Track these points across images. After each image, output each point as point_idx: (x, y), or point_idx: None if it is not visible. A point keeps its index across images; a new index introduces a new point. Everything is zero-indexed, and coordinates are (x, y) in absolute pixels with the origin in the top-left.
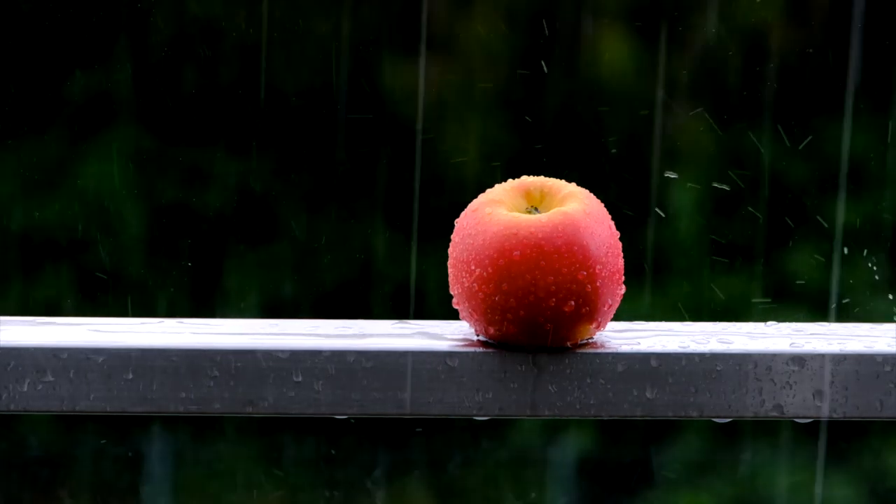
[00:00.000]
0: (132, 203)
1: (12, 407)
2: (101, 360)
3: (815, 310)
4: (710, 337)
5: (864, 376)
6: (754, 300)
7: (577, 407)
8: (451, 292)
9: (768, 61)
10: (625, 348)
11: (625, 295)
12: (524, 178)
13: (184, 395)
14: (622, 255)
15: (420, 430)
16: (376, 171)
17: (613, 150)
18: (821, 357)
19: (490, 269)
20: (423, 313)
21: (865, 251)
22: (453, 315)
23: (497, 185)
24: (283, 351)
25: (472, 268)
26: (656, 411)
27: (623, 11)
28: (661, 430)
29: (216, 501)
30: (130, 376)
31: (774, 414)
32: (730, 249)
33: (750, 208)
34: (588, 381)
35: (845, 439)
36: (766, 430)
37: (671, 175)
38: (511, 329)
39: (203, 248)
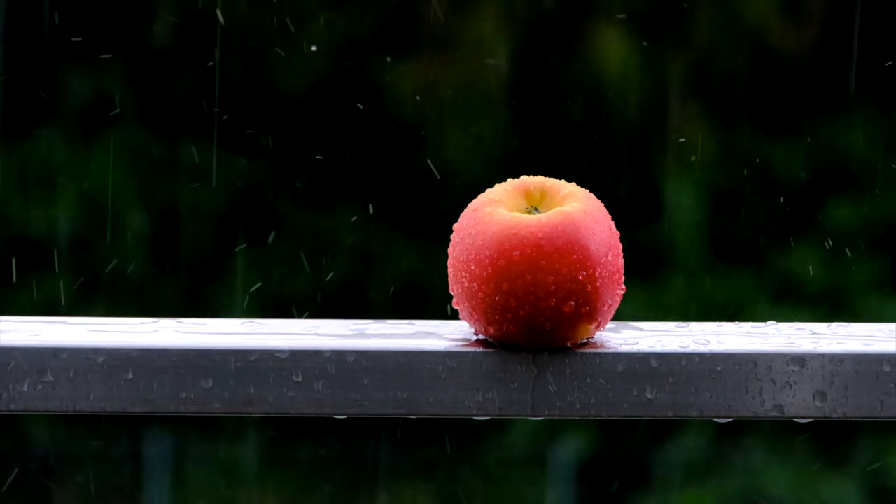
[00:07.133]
0: (132, 202)
1: (12, 407)
2: (101, 360)
3: (816, 309)
4: (710, 337)
5: (864, 376)
6: (755, 300)
7: (577, 407)
8: (451, 292)
9: (769, 60)
10: (625, 348)
11: (625, 294)
12: (524, 177)
13: (184, 395)
14: (622, 255)
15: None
16: (375, 170)
17: (613, 150)
18: (821, 357)
19: (490, 269)
20: (422, 313)
21: (866, 251)
22: (453, 315)
23: (497, 185)
24: (283, 351)
25: (472, 268)
26: (656, 411)
27: (623, 11)
28: (661, 430)
29: (216, 500)
30: (130, 376)
31: (774, 414)
32: (730, 249)
33: (750, 207)
34: (588, 381)
35: (845, 439)
36: (766, 430)
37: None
38: (511, 329)
39: (202, 247)
